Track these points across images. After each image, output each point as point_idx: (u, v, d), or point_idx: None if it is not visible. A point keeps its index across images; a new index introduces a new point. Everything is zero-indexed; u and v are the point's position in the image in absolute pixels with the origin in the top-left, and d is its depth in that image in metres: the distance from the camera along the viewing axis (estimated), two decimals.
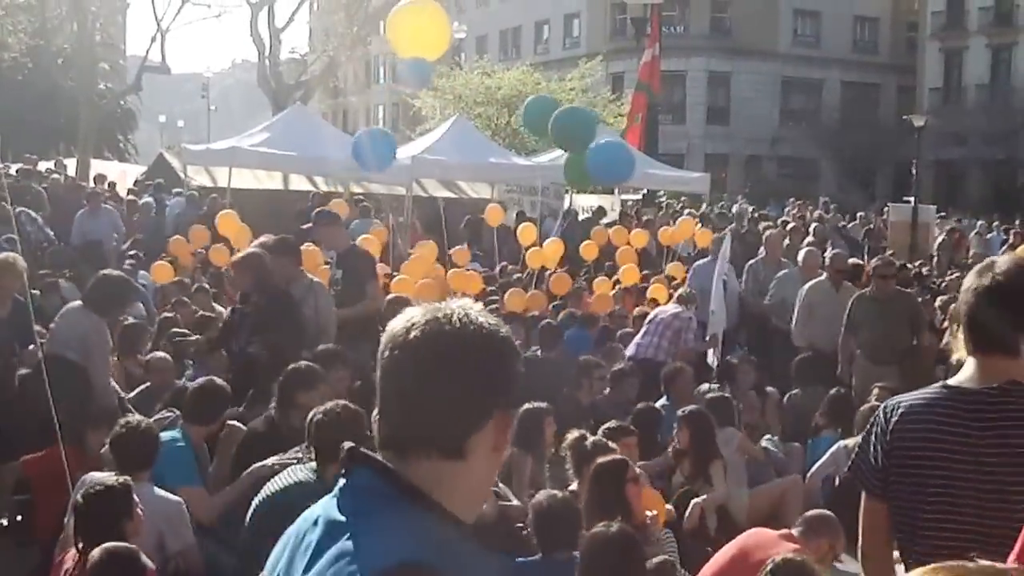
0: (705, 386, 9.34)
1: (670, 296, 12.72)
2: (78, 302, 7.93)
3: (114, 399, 7.55)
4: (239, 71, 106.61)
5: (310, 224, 11.49)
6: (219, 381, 6.57)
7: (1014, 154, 43.21)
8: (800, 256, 11.98)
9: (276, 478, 5.28)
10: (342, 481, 1.82)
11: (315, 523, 1.81)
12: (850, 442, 6.68)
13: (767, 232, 13.21)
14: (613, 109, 36.68)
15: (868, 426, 3.22)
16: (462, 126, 20.64)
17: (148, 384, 8.24)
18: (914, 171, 31.29)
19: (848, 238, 24.33)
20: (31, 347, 7.21)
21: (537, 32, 58.60)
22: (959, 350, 3.06)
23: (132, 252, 14.89)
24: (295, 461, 5.54)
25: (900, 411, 3.07)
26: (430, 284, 12.08)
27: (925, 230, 24.81)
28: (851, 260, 13.55)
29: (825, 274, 10.89)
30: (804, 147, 50.67)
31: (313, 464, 5.23)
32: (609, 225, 21.57)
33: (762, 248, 13.09)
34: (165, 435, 6.02)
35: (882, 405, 3.22)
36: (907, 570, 2.82)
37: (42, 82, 36.12)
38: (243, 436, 6.50)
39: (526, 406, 6.93)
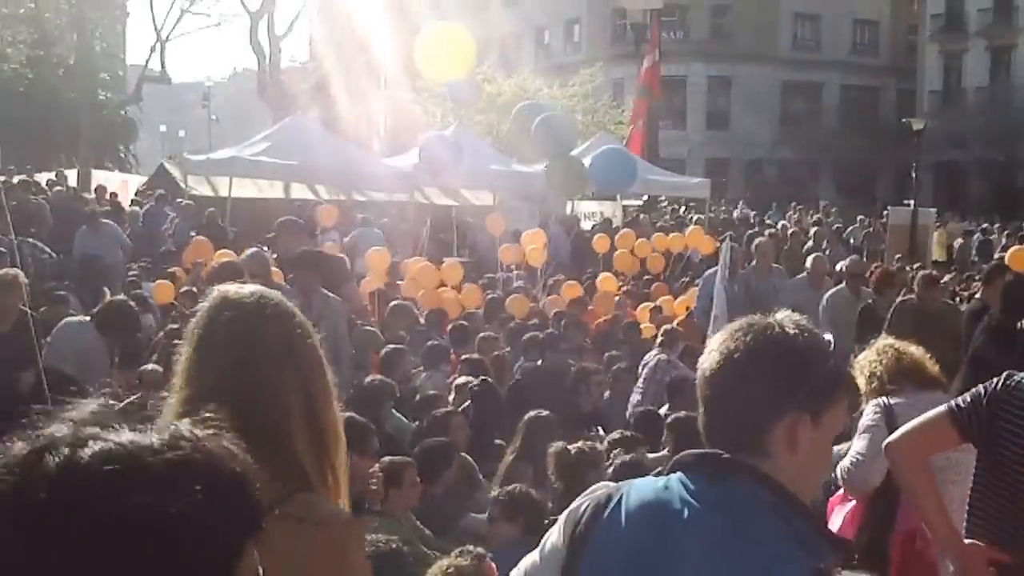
0: None
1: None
2: (81, 317, 7.96)
3: None
4: (240, 80, 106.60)
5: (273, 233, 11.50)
6: None
7: (1014, 156, 43.28)
8: (808, 263, 11.94)
9: None
10: (713, 486, 1.97)
11: (674, 518, 1.96)
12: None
13: (757, 241, 12.99)
14: (614, 115, 36.75)
15: (984, 387, 3.56)
16: (463, 133, 20.72)
17: (139, 395, 8.26)
18: (914, 174, 31.29)
19: (846, 243, 24.44)
20: (28, 371, 7.11)
21: (537, 38, 58.68)
22: None
23: (133, 265, 14.91)
24: None
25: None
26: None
27: (925, 233, 24.81)
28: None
29: (844, 281, 10.85)
30: (804, 151, 50.71)
31: None
32: (616, 230, 21.70)
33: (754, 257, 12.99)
34: None
35: (1003, 376, 3.54)
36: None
37: (42, 93, 36.16)
38: None
39: (531, 415, 6.97)
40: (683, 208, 29.83)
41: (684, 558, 1.90)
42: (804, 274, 11.81)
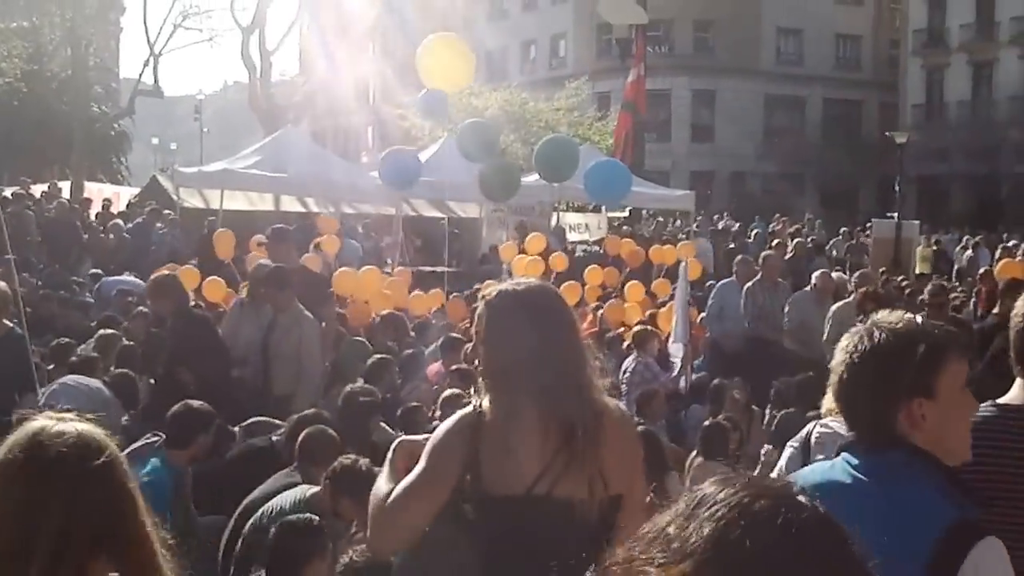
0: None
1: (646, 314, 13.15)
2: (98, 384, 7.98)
3: None
4: (231, 92, 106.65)
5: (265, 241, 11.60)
6: (195, 404, 6.46)
7: (996, 169, 43.48)
8: (814, 278, 11.85)
9: (272, 504, 5.41)
10: (870, 457, 2.45)
11: (842, 488, 2.43)
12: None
13: (764, 254, 13.02)
14: (599, 128, 37.07)
15: None
16: (450, 146, 21.01)
17: None
18: (897, 187, 31.60)
19: (828, 255, 24.73)
20: (29, 394, 7.09)
21: (524, 53, 59.03)
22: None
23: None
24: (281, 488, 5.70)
25: None
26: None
27: (908, 246, 24.99)
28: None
29: (852, 296, 10.76)
30: (788, 164, 50.88)
31: (303, 488, 5.42)
32: (597, 242, 22.07)
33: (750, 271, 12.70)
34: (147, 464, 6.04)
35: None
36: None
37: (37, 106, 36.42)
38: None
39: None
40: (674, 221, 30.19)
41: (856, 519, 2.34)
42: (809, 288, 11.70)
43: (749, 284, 12.03)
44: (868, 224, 28.61)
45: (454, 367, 9.32)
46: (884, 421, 2.45)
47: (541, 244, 16.53)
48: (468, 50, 12.32)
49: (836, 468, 2.52)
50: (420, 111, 13.31)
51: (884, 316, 2.56)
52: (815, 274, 12.12)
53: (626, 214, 28.84)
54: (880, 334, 2.48)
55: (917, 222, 27.71)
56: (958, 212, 43.25)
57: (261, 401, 8.11)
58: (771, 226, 30.51)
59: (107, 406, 7.58)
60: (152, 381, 8.49)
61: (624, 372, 10.16)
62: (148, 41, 35.70)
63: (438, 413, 8.12)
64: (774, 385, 9.90)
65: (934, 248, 27.28)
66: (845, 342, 2.53)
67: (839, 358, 2.53)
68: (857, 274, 12.02)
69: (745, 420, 9.01)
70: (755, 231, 30.04)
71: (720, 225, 29.52)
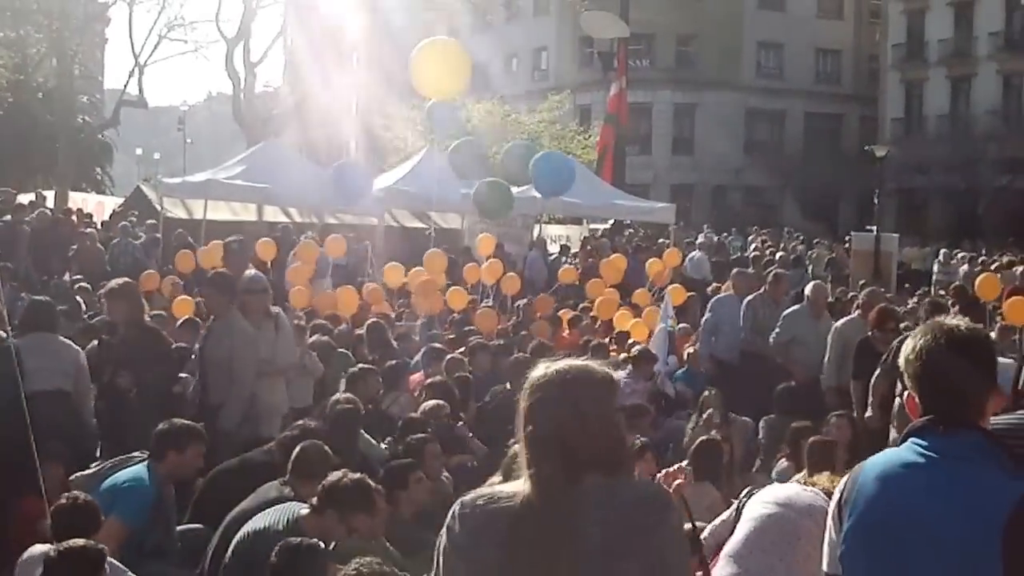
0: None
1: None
2: (49, 334, 7.95)
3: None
4: (215, 104, 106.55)
5: None
6: (178, 422, 6.54)
7: (974, 182, 43.72)
8: (807, 291, 11.50)
9: (263, 516, 5.46)
10: (942, 438, 2.76)
11: (914, 468, 2.76)
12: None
13: (774, 271, 12.76)
14: (581, 141, 37.28)
15: None
16: (433, 158, 21.16)
17: None
18: (876, 200, 31.86)
19: (805, 268, 24.95)
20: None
21: (506, 65, 59.17)
22: None
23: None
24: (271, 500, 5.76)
25: None
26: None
27: (888, 258, 25.14)
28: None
29: (857, 312, 10.56)
30: (768, 177, 51.10)
31: (293, 508, 5.48)
32: (575, 255, 22.31)
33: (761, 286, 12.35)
34: (135, 469, 6.26)
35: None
36: None
37: (22, 116, 36.42)
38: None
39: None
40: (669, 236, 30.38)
41: (928, 492, 2.70)
42: (804, 303, 11.32)
43: (751, 297, 11.85)
44: (848, 237, 28.79)
45: (430, 381, 9.35)
46: (971, 406, 2.77)
47: (491, 246, 16.81)
48: (463, 55, 12.32)
49: (906, 450, 2.81)
50: (432, 121, 13.26)
51: (946, 321, 2.92)
52: (808, 287, 11.84)
53: (608, 226, 29.06)
54: (967, 332, 2.83)
55: (896, 235, 27.87)
56: (937, 225, 43.58)
57: (198, 410, 8.03)
58: (750, 239, 30.74)
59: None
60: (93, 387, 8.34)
61: None
62: (133, 52, 35.87)
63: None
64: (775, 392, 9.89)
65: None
66: (921, 340, 2.84)
67: (917, 352, 2.83)
68: (865, 292, 11.79)
69: (724, 432, 8.96)
70: (731, 242, 30.34)
71: (701, 238, 29.70)
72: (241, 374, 8.08)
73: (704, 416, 9.52)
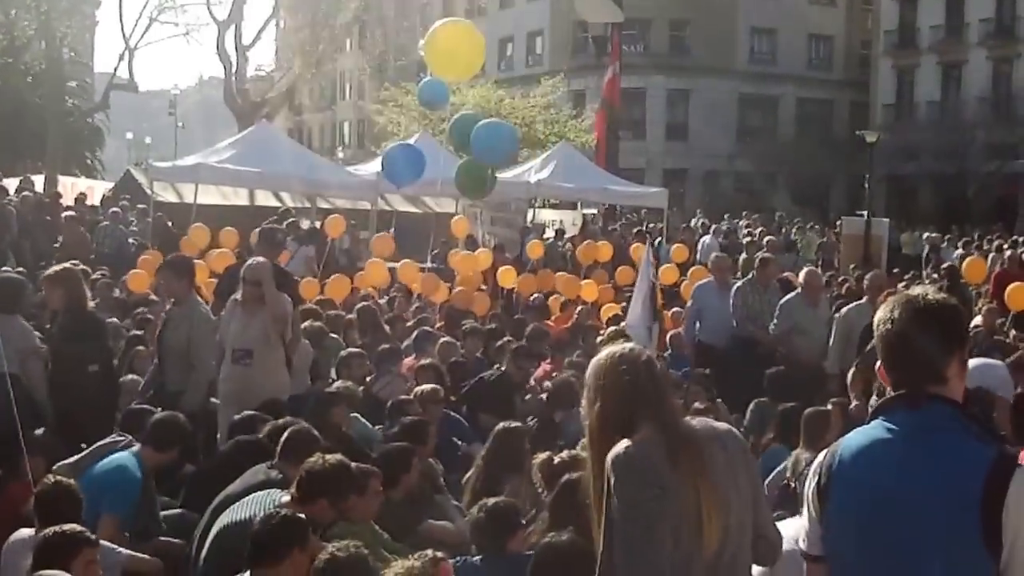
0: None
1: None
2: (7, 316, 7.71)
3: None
4: (206, 88, 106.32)
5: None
6: (181, 417, 6.62)
7: (964, 168, 43.84)
8: (801, 277, 11.41)
9: (243, 506, 5.42)
10: (914, 411, 2.81)
11: (887, 443, 2.82)
12: (805, 453, 6.78)
13: (762, 255, 12.43)
14: (574, 125, 37.32)
15: None
16: (426, 142, 21.13)
17: None
18: (867, 185, 31.95)
19: (797, 252, 25.01)
20: None
21: (500, 50, 59.15)
22: None
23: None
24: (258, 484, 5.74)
25: None
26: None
27: (878, 243, 25.21)
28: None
29: (865, 296, 10.46)
30: (761, 162, 51.22)
31: (275, 494, 5.43)
32: (571, 239, 22.33)
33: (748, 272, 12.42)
34: (120, 458, 6.21)
35: None
36: None
37: (11, 99, 36.32)
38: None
39: (501, 426, 6.90)
40: (646, 223, 30.39)
41: (905, 467, 2.76)
42: (798, 291, 11.12)
43: (739, 283, 11.69)
44: (838, 222, 28.87)
45: (421, 364, 9.36)
46: (938, 375, 2.81)
47: (464, 228, 16.81)
48: (478, 36, 12.14)
49: (878, 428, 2.86)
50: (421, 100, 13.08)
51: (914, 289, 2.96)
52: (802, 272, 11.72)
53: (592, 211, 29.10)
54: (927, 301, 2.84)
55: (887, 220, 27.97)
56: (926, 210, 43.71)
57: (156, 397, 7.95)
58: (739, 223, 30.78)
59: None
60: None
61: None
62: (123, 35, 35.62)
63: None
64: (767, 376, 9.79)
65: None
66: (887, 311, 2.87)
67: (884, 322, 2.87)
68: (870, 275, 11.74)
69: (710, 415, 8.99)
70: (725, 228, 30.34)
71: (694, 223, 29.75)
72: (201, 360, 8.04)
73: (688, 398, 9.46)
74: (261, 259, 8.72)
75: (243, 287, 8.26)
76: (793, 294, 11.11)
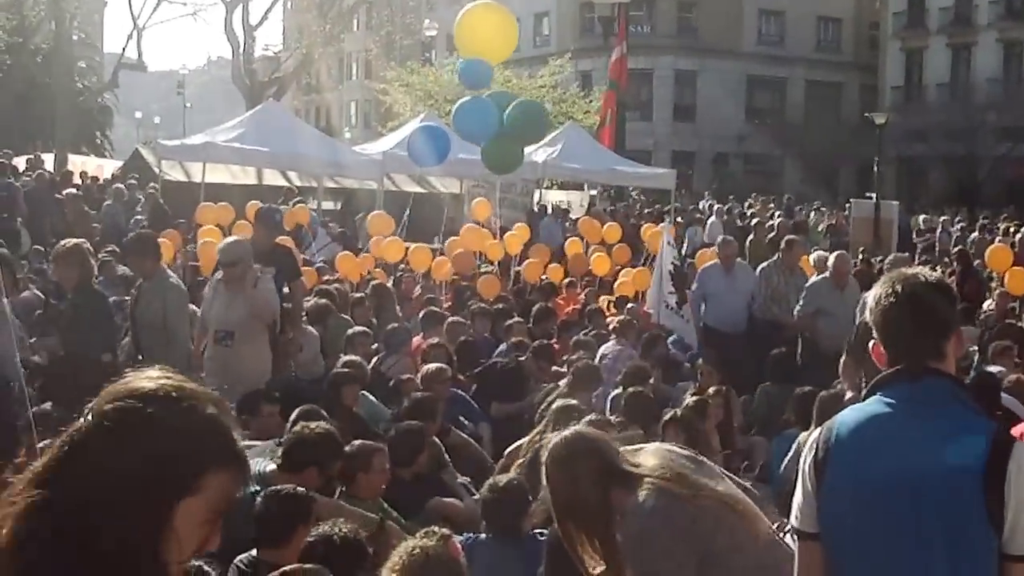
0: (684, 384, 9.63)
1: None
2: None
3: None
4: (214, 68, 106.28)
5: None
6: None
7: (973, 150, 43.70)
8: (830, 261, 11.19)
9: None
10: (913, 385, 2.84)
11: (887, 417, 2.84)
12: (815, 434, 6.74)
13: (787, 237, 12.36)
14: (582, 106, 37.22)
15: None
16: (432, 122, 21.07)
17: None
18: (876, 167, 31.84)
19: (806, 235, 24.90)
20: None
21: None
22: None
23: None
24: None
25: None
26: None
27: (888, 226, 25.10)
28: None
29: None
30: (769, 144, 51.07)
31: (261, 463, 5.46)
32: (575, 221, 22.32)
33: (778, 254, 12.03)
34: None
35: None
36: None
37: (20, 79, 36.39)
38: None
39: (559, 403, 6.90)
40: (652, 203, 30.38)
41: (906, 441, 2.80)
42: (826, 274, 11.00)
43: (764, 266, 11.66)
44: (848, 204, 28.77)
45: (429, 343, 9.39)
46: (935, 348, 2.85)
47: (486, 210, 16.81)
48: (511, 19, 12.05)
49: (876, 403, 2.88)
50: (463, 80, 12.96)
51: (908, 270, 3.02)
52: (831, 257, 11.49)
53: (593, 192, 29.08)
54: (925, 279, 2.92)
55: (896, 202, 27.85)
56: (936, 193, 43.57)
57: (103, 375, 7.92)
58: (746, 204, 30.70)
59: None
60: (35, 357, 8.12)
61: (603, 357, 9.94)
62: (132, 15, 35.75)
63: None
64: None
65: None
66: (885, 288, 2.90)
67: (881, 299, 2.90)
68: (890, 259, 11.73)
69: (721, 398, 8.85)
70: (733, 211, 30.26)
71: (702, 205, 29.71)
72: (177, 334, 8.09)
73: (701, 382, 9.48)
74: (235, 238, 8.86)
75: (221, 269, 8.29)
76: (820, 276, 11.07)
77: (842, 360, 8.41)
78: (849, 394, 8.37)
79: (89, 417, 1.74)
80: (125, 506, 1.66)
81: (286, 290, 9.11)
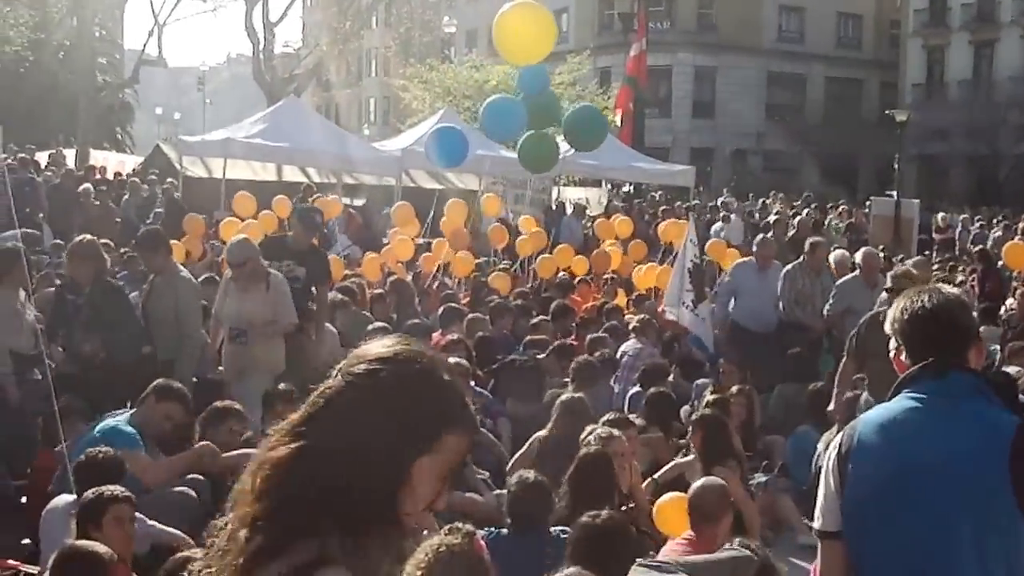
0: (704, 381, 9.59)
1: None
2: None
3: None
4: (234, 65, 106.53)
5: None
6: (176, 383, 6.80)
7: (995, 148, 43.43)
8: (859, 257, 10.95)
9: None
10: (939, 380, 2.94)
11: (914, 412, 2.93)
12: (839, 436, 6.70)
13: (810, 240, 12.08)
14: (600, 103, 37.10)
15: None
16: (450, 119, 21.11)
17: None
18: (896, 165, 31.70)
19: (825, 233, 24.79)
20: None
21: None
22: None
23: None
24: None
25: None
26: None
27: (908, 224, 24.93)
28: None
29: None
30: (788, 142, 50.87)
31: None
32: (594, 218, 22.33)
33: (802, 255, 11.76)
34: (108, 422, 6.32)
35: None
36: None
37: (42, 75, 36.66)
38: None
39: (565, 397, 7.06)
40: (669, 199, 30.32)
41: (933, 431, 2.88)
42: (856, 273, 10.75)
43: (788, 268, 11.42)
44: (868, 202, 28.65)
45: (448, 339, 9.41)
46: (963, 356, 2.98)
47: (496, 207, 16.99)
48: (549, 19, 12.04)
49: (899, 401, 2.97)
50: (521, 87, 12.93)
51: (935, 284, 3.27)
52: (859, 254, 11.18)
53: (628, 190, 29.03)
54: (949, 293, 3.11)
55: (916, 200, 27.69)
56: (957, 191, 43.32)
57: (150, 368, 7.92)
58: (766, 202, 30.60)
59: None
60: (61, 349, 8.15)
61: (624, 355, 9.98)
62: (152, 11, 35.85)
63: None
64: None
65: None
66: (911, 299, 3.06)
67: (909, 309, 3.04)
68: (910, 262, 11.67)
69: (743, 397, 8.91)
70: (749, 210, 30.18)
71: (721, 202, 29.62)
72: (190, 328, 8.21)
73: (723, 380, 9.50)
74: (242, 237, 8.87)
75: (231, 269, 8.40)
76: (851, 276, 10.87)
77: (841, 364, 8.40)
78: (849, 394, 8.43)
79: (339, 378, 1.95)
80: (371, 458, 1.84)
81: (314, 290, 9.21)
